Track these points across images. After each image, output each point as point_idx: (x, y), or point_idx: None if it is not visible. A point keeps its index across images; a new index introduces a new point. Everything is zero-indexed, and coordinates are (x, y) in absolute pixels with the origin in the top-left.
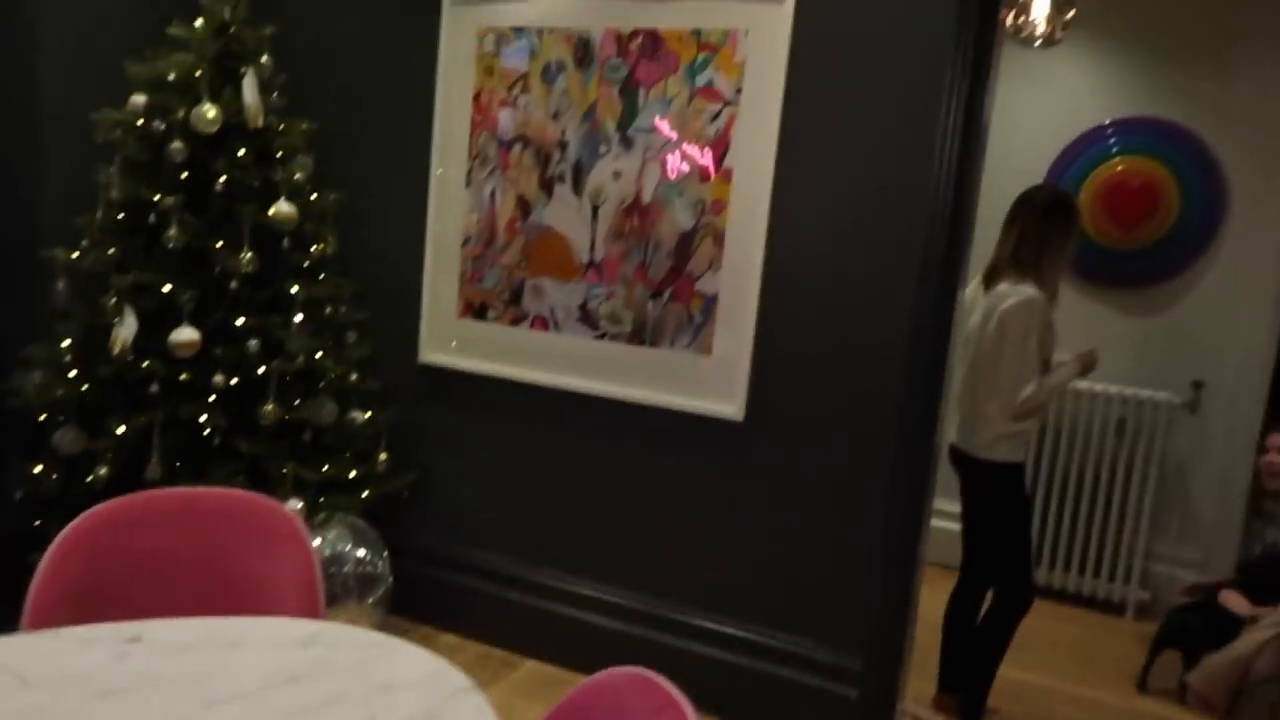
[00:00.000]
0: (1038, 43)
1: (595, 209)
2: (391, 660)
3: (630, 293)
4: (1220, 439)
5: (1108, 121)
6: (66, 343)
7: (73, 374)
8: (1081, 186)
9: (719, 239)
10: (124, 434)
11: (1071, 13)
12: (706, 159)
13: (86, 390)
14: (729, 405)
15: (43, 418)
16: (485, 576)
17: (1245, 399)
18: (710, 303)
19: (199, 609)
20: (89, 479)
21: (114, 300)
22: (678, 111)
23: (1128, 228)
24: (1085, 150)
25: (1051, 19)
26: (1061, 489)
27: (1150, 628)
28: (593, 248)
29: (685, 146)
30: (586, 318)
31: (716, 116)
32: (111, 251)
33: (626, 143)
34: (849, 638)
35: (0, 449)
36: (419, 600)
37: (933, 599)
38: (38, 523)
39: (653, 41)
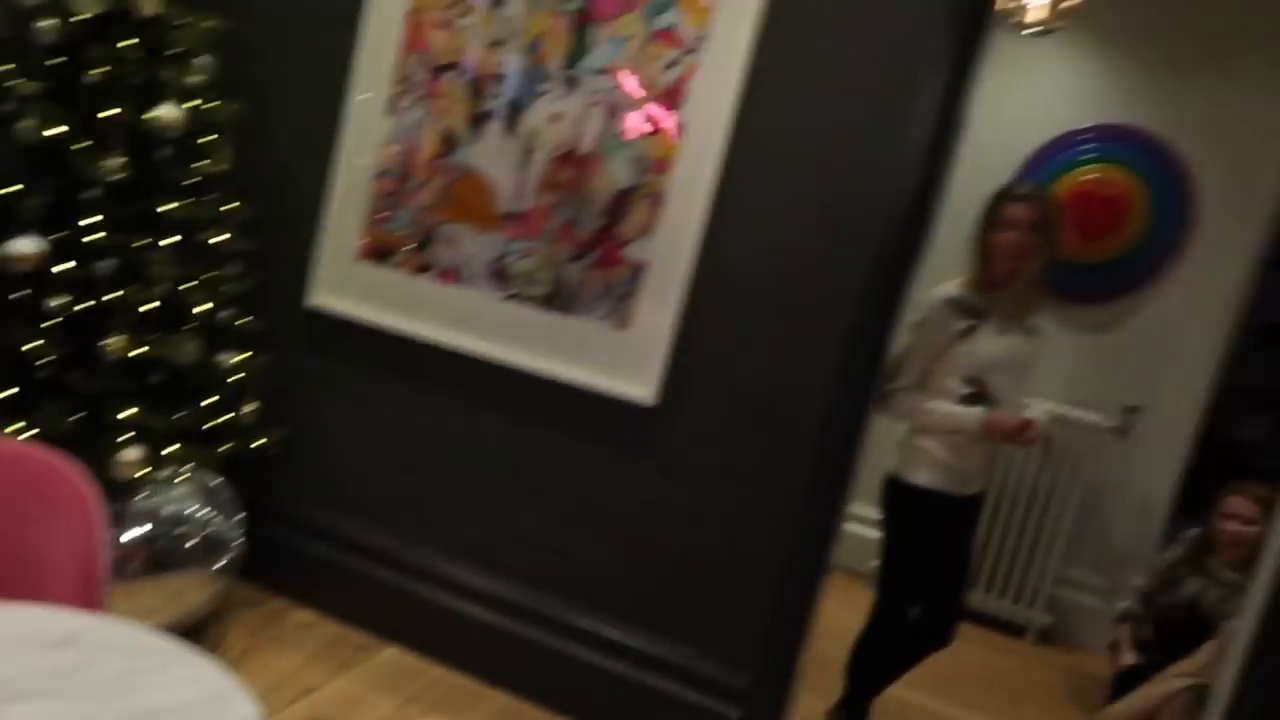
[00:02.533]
0: (1031, 30)
1: (528, 153)
2: (160, 676)
3: (552, 251)
4: (1146, 466)
5: (1088, 125)
6: None
7: None
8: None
9: (657, 201)
10: None
11: None
12: (656, 111)
13: None
14: (641, 387)
15: None
16: (352, 550)
17: (1176, 427)
18: (637, 272)
19: None
20: None
21: None
22: (630, 55)
23: (1088, 240)
24: (1060, 153)
25: (1052, 5)
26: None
27: (1053, 653)
28: (519, 197)
29: (634, 94)
30: (499, 274)
31: (673, 65)
32: None
33: (571, 83)
34: (739, 652)
35: None
36: (276, 570)
37: (840, 608)
38: None
39: None
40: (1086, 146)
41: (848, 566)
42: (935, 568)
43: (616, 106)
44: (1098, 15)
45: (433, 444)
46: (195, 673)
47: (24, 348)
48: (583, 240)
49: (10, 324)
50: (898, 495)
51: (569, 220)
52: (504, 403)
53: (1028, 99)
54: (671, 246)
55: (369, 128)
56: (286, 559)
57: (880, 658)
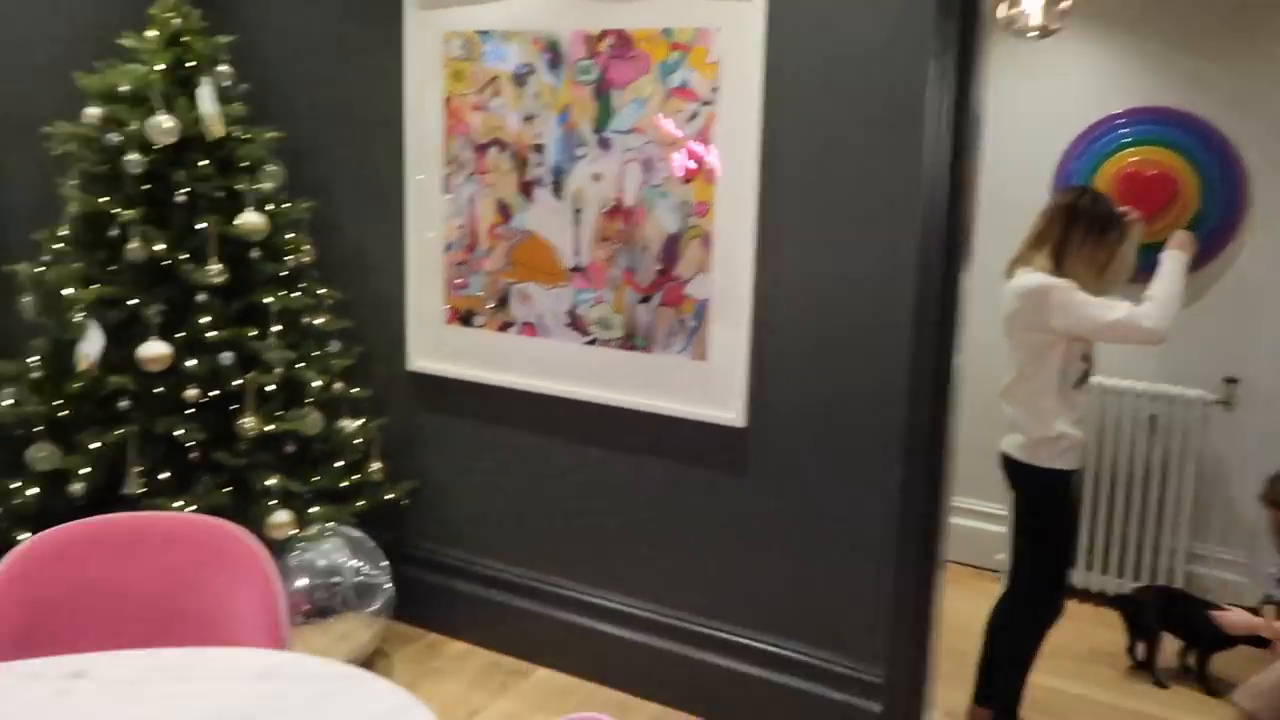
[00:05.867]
0: (1032, 34)
1: (577, 212)
2: (351, 695)
3: (619, 297)
4: (1258, 435)
5: (1119, 111)
6: (35, 359)
7: (44, 390)
8: (1093, 180)
9: (706, 241)
10: (99, 449)
11: (1067, 1)
12: (687, 160)
13: (58, 406)
14: (728, 411)
15: (18, 434)
16: (489, 584)
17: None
18: (702, 306)
19: (153, 641)
20: (68, 494)
21: (80, 315)
22: (653, 113)
23: (1146, 220)
24: (1095, 142)
25: (1046, 8)
26: (1094, 489)
27: None
28: (577, 252)
29: (664, 148)
30: (575, 323)
31: (694, 117)
32: (76, 266)
33: (604, 144)
34: (869, 649)
35: None
36: (424, 607)
37: (971, 603)
38: (25, 536)
39: (622, 42)
40: (1122, 132)
41: (963, 560)
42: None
43: (650, 160)
44: (1104, 6)
45: (545, 480)
46: (377, 691)
47: (174, 434)
48: (645, 284)
49: (157, 415)
50: (1039, 481)
51: (629, 267)
52: (603, 438)
53: (1053, 98)
54: (728, 280)
55: (429, 205)
56: (432, 597)
57: (1035, 640)
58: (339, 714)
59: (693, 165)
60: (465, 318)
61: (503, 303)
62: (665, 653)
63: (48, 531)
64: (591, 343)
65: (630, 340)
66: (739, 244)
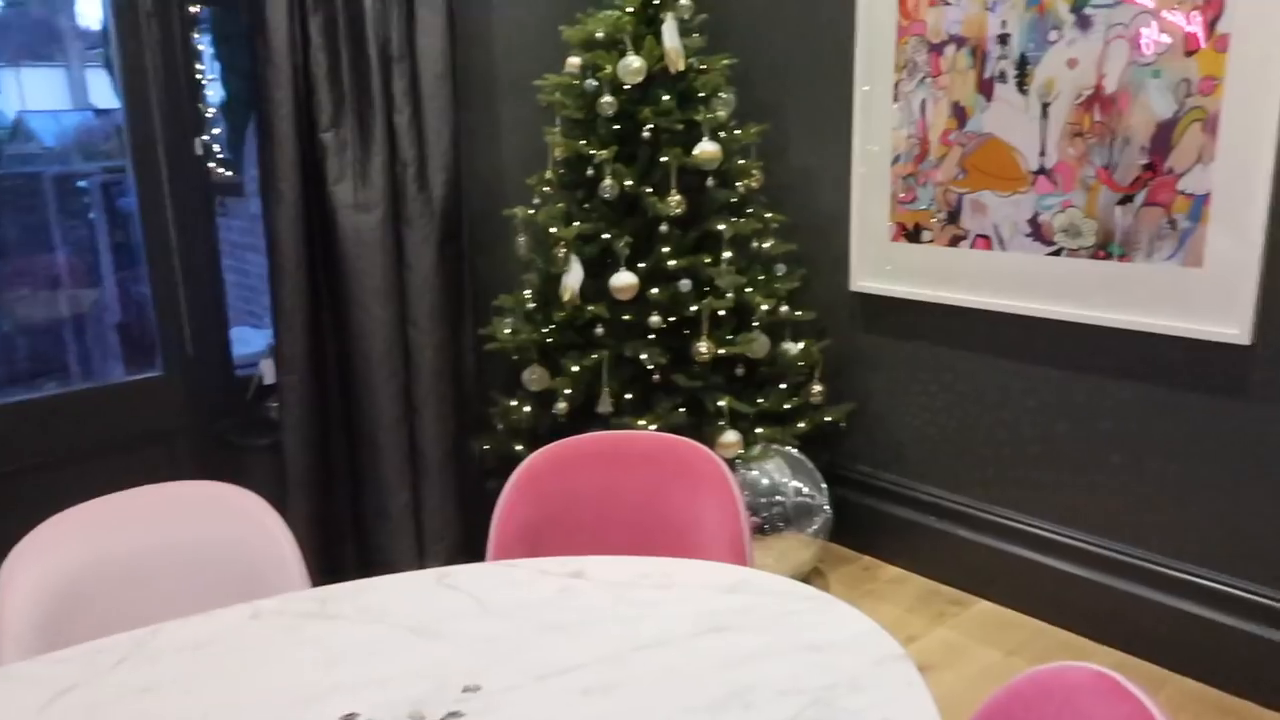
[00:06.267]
0: None
1: (1045, 107)
2: (819, 616)
3: (1092, 200)
4: None
5: None
6: (528, 292)
7: (535, 319)
8: None
9: (1210, 125)
10: (578, 372)
11: None
12: (1194, 24)
13: (547, 333)
14: (1230, 326)
15: (515, 359)
16: (928, 509)
17: None
18: (1199, 204)
19: (633, 547)
20: (554, 411)
21: (562, 251)
22: None
23: None
24: None
25: None
26: None
27: None
28: (1043, 152)
29: (1163, 14)
30: (1037, 232)
31: None
32: (559, 206)
33: (1083, 23)
34: None
35: (485, 387)
36: (861, 531)
37: None
38: (519, 447)
39: None
40: None
41: None
42: None
43: (1140, 35)
44: None
45: (995, 406)
46: (843, 615)
47: (639, 357)
48: (1125, 183)
49: (626, 341)
50: None
51: (1105, 165)
52: (1066, 358)
53: None
54: (1238, 169)
55: (877, 117)
56: (869, 521)
57: None
58: (805, 632)
59: (1196, 32)
60: (912, 234)
61: (954, 215)
62: (1129, 595)
63: (549, 446)
64: (1056, 253)
65: (1104, 248)
66: (1258, 122)
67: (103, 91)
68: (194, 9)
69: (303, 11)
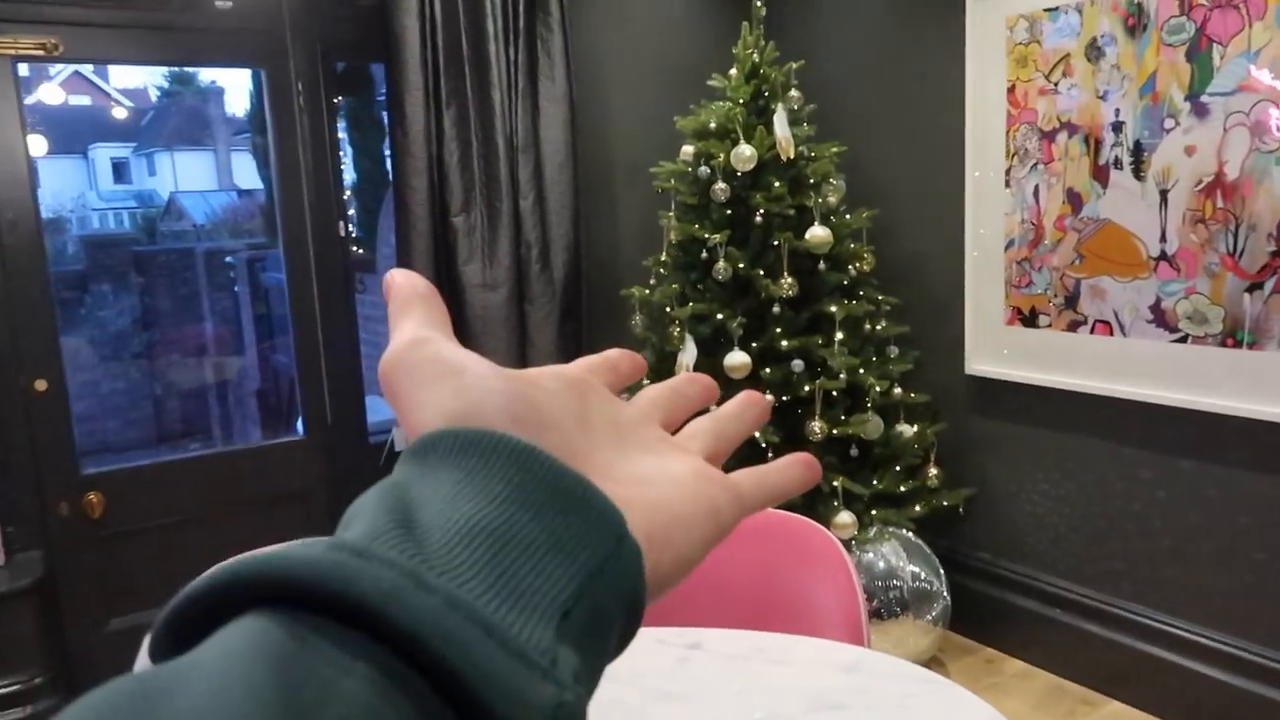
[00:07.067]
0: None
1: (1163, 193)
2: (938, 701)
3: (1217, 287)
4: None
5: None
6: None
7: None
8: None
9: None
10: None
11: None
12: None
13: None
14: None
15: None
16: (1053, 602)
17: None
18: None
19: (746, 620)
20: None
21: (677, 330)
22: (1272, 60)
23: None
24: None
25: None
26: None
27: None
28: (1163, 238)
29: None
30: (1160, 318)
31: None
32: (674, 286)
33: (1200, 110)
34: None
35: None
36: (980, 621)
37: None
38: None
39: None
40: None
41: None
42: None
43: (1262, 122)
44: None
45: (1121, 496)
46: (961, 699)
47: (754, 435)
48: (1253, 270)
49: None
50: None
51: (1229, 251)
52: (1195, 448)
53: None
54: None
55: (988, 203)
56: (990, 610)
57: None
58: (923, 716)
59: None
60: (1028, 318)
61: (1071, 300)
62: (1275, 705)
63: None
64: (1181, 340)
65: (1232, 335)
66: None
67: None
68: (336, 99)
69: (438, 106)
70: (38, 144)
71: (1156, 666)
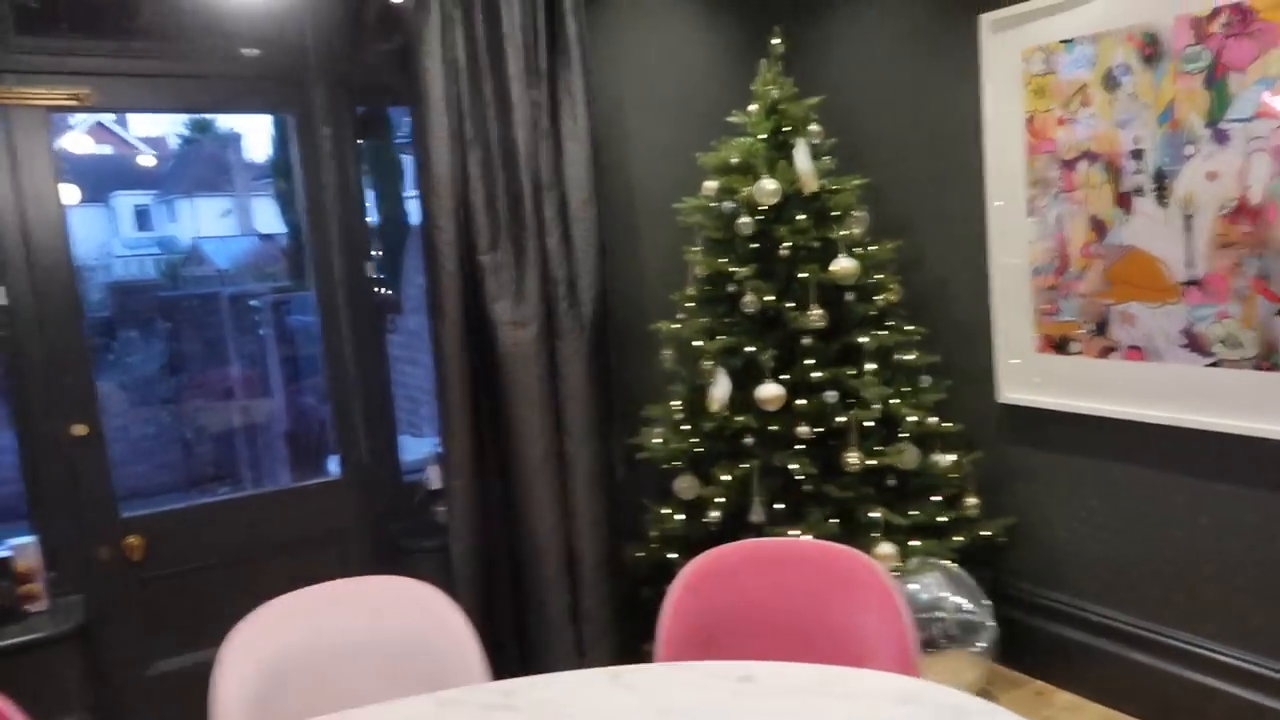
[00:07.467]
0: None
1: (1188, 219)
2: None
3: (1249, 310)
4: None
5: None
6: (676, 403)
7: (684, 429)
8: None
9: None
10: (729, 481)
11: None
12: None
13: (695, 443)
14: None
15: (664, 467)
16: (1100, 632)
17: None
18: None
19: (796, 652)
20: (705, 520)
21: (708, 364)
22: None
23: None
24: None
25: None
26: None
27: None
28: (1190, 263)
29: None
30: (1194, 343)
31: None
32: (702, 320)
33: (1220, 137)
34: None
35: (637, 495)
36: (1030, 652)
37: None
38: (673, 555)
39: (1241, 17)
40: None
41: None
42: None
43: None
44: None
45: (1163, 522)
46: None
47: (789, 467)
48: None
49: (774, 451)
50: None
51: (1259, 275)
52: (1235, 473)
53: None
54: None
55: (1012, 232)
56: (1038, 642)
57: None
58: None
59: None
60: (1059, 345)
61: (1102, 327)
62: None
63: (713, 550)
64: (1215, 364)
65: (1268, 359)
66: None
67: (266, 218)
68: (359, 142)
69: (463, 147)
70: (69, 192)
71: (1206, 695)
